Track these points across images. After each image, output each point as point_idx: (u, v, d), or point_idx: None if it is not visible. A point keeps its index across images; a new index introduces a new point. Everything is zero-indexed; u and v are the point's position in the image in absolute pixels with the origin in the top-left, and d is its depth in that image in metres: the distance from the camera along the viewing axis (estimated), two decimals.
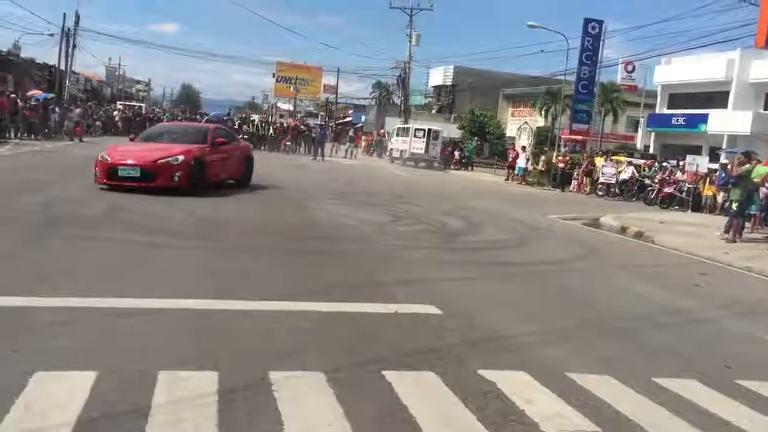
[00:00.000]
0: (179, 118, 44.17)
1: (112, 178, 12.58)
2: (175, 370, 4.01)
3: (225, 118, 46.46)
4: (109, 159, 12.78)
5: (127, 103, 56.57)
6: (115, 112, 42.56)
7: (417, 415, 3.72)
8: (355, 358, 4.54)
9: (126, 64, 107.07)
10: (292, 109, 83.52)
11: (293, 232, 10.37)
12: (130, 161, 12.73)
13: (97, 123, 38.44)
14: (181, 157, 12.86)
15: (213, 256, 7.80)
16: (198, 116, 46.94)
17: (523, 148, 34.77)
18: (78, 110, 34.98)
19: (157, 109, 53.29)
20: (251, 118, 56.44)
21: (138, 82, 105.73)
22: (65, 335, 4.53)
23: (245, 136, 40.69)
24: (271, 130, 41.16)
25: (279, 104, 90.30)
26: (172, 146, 13.60)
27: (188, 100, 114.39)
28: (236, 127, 41.61)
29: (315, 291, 6.40)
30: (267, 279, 6.85)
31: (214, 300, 5.73)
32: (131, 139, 15.33)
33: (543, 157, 32.87)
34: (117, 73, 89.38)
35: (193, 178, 12.97)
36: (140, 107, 52.01)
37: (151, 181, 12.49)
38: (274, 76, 76.35)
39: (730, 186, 15.14)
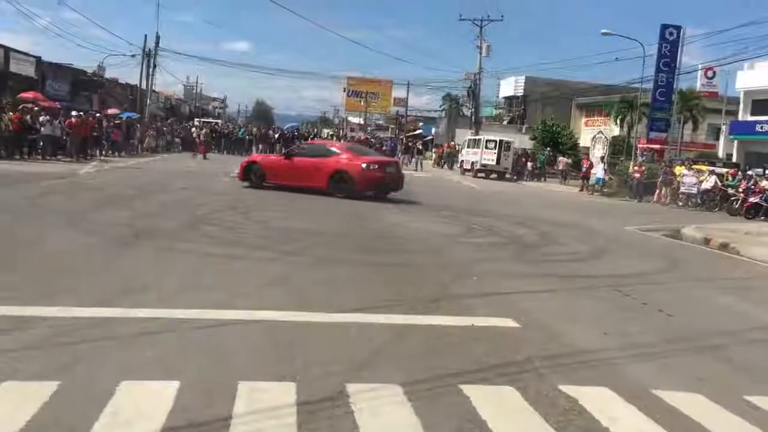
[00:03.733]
0: (254, 133, 45.35)
1: None
2: (255, 381, 4.06)
3: (295, 132, 47.48)
4: None
5: (204, 119, 58.34)
6: (193, 129, 43.95)
7: (496, 431, 3.64)
8: (433, 372, 4.49)
9: (203, 82, 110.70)
10: (362, 122, 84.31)
11: (368, 243, 10.40)
12: None
13: (176, 140, 39.80)
14: None
15: (288, 268, 7.89)
16: (271, 131, 48.00)
17: (601, 158, 33.99)
18: (204, 131, 38.75)
19: (231, 126, 54.66)
20: (323, 133, 57.40)
21: (214, 99, 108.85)
22: (149, 346, 4.66)
23: None
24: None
25: (350, 118, 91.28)
26: None
27: (262, 116, 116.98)
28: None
29: (390, 303, 6.38)
30: (343, 290, 6.86)
31: (290, 311, 5.79)
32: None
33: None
34: (194, 91, 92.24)
35: None
36: (216, 123, 53.54)
37: None
38: (344, 91, 77.35)
39: None
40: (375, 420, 3.65)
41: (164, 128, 39.91)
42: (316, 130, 73.29)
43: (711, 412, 4.25)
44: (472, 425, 3.71)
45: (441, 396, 4.10)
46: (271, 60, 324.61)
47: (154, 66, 47.86)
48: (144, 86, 48.19)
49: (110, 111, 37.79)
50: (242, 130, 48.20)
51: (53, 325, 4.91)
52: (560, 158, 40.33)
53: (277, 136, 44.27)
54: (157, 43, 47.72)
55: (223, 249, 8.85)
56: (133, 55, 47.37)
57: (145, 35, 48.31)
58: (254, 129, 49.81)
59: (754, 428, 4.04)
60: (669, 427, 3.89)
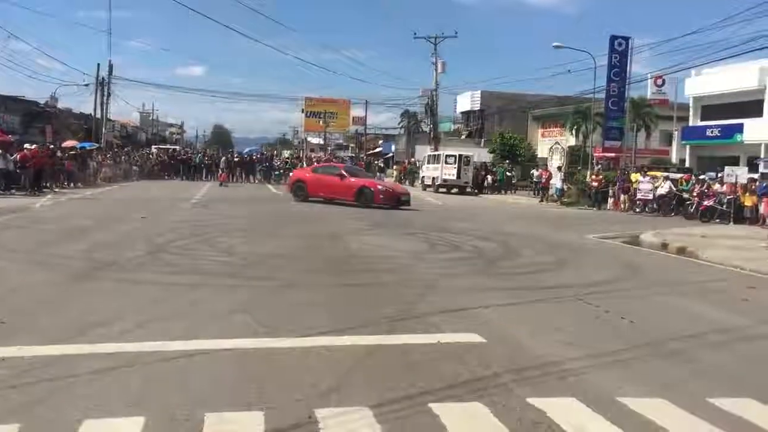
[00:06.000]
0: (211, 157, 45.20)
1: None
2: (222, 412, 4.00)
3: (255, 156, 47.37)
4: None
5: (161, 146, 57.72)
6: (151, 156, 43.44)
7: None
8: (401, 392, 4.49)
9: (159, 108, 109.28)
10: (322, 142, 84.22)
11: (333, 265, 10.36)
12: None
13: (134, 168, 39.29)
14: None
15: (252, 294, 7.83)
16: (229, 154, 47.84)
17: (559, 168, 34.50)
18: (223, 158, 39.58)
19: (190, 151, 54.25)
20: (283, 155, 57.24)
21: (171, 125, 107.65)
22: (112, 382, 4.57)
23: (278, 172, 41.55)
24: (305, 165, 41.49)
25: (309, 139, 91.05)
26: None
27: (220, 140, 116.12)
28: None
29: (356, 324, 6.37)
30: (308, 314, 6.81)
31: (256, 338, 5.74)
32: None
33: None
34: (150, 118, 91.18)
35: None
36: (174, 150, 52.99)
37: None
38: (303, 112, 77.25)
39: None
40: None
41: (122, 156, 39.36)
42: (275, 151, 73.00)
43: (676, 416, 4.32)
44: None
45: (411, 416, 4.09)
46: (227, 83, 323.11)
47: (109, 94, 47.34)
48: (99, 115, 47.53)
49: (67, 143, 37.01)
50: (199, 155, 47.81)
51: (12, 365, 4.79)
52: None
53: (236, 160, 43.92)
54: (110, 71, 47.22)
55: (186, 278, 8.73)
56: (86, 84, 46.79)
57: (98, 64, 47.74)
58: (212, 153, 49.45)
59: (718, 429, 4.12)
60: None
